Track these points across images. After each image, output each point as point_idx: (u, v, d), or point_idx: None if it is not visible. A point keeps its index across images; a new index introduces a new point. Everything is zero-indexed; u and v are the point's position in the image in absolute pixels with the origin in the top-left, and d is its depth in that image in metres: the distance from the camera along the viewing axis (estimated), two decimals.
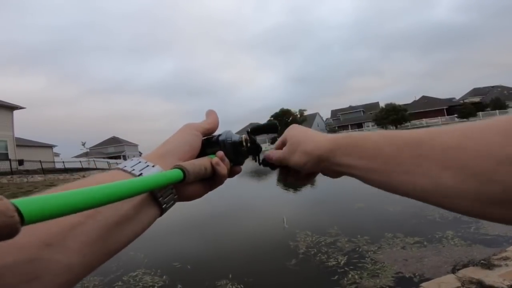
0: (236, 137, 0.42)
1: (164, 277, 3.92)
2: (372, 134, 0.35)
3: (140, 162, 0.32)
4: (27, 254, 0.20)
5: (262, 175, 18.07)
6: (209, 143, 0.42)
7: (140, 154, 64.34)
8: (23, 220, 0.15)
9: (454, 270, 2.87)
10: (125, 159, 44.85)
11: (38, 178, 16.95)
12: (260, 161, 0.48)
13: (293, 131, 0.46)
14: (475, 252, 3.45)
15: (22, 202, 0.15)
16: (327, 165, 0.39)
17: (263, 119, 65.41)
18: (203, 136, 0.41)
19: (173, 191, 0.33)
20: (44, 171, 18.81)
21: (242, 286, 3.36)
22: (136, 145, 60.70)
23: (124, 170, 0.31)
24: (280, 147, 0.48)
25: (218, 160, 0.38)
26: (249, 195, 11.19)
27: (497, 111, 39.53)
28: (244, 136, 0.43)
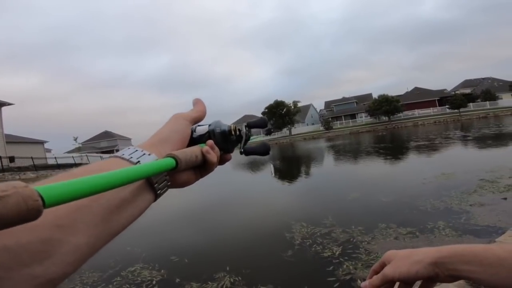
0: (225, 126, 0.44)
1: (162, 271, 3.95)
2: (487, 248, 0.48)
3: (137, 150, 0.33)
4: (40, 234, 0.22)
5: (257, 166, 18.10)
6: (199, 132, 0.44)
7: None
8: (44, 204, 0.17)
9: None
10: None
11: (30, 175, 16.67)
12: (242, 149, 0.48)
13: (392, 252, 0.57)
14: (465, 242, 3.47)
15: (43, 188, 0.18)
16: (442, 271, 0.49)
17: (257, 111, 65.26)
18: (192, 125, 0.43)
19: (167, 178, 0.34)
20: (36, 168, 18.48)
21: (239, 278, 3.40)
22: (129, 139, 60.14)
23: (123, 158, 0.32)
24: (379, 270, 0.56)
25: (208, 148, 0.39)
26: (245, 186, 11.21)
27: (487, 102, 40.17)
28: (232, 125, 0.45)
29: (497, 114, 32.18)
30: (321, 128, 50.02)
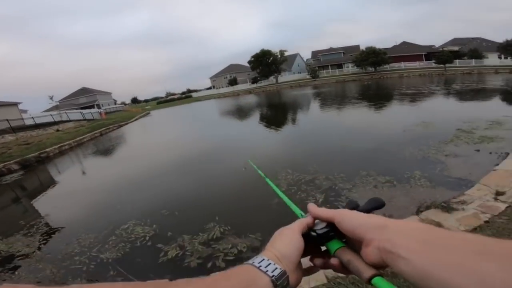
0: (319, 226, 0.47)
1: (154, 226, 4.01)
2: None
3: (270, 264, 0.40)
4: None
5: (244, 113, 17.89)
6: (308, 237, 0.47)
7: (115, 101, 61.85)
8: None
9: (418, 212, 3.03)
10: (99, 107, 42.34)
11: (9, 137, 15.65)
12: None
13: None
14: (438, 194, 3.65)
15: None
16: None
17: (244, 60, 62.91)
18: (307, 230, 0.47)
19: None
20: (14, 130, 17.41)
21: (229, 228, 3.53)
22: (109, 93, 57.55)
23: (259, 269, 0.39)
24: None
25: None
26: (231, 135, 11.12)
27: (473, 60, 40.50)
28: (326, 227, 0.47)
29: (481, 71, 32.58)
30: (308, 77, 49.95)
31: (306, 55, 72.25)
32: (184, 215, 4.23)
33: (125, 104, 72.34)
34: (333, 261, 0.43)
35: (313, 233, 0.47)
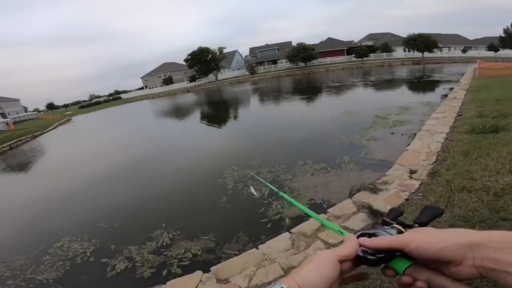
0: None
1: (93, 240, 3.66)
2: None
3: None
4: None
5: (183, 113, 17.23)
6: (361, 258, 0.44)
7: (26, 109, 52.38)
8: None
9: (350, 195, 3.30)
10: (4, 117, 35.46)
11: None
12: (417, 224, 0.48)
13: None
14: (365, 176, 4.08)
15: None
16: (476, 256, 0.37)
17: (180, 59, 60.57)
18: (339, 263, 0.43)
19: None
20: None
21: (178, 232, 3.42)
22: (17, 100, 48.96)
23: None
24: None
25: None
26: (171, 136, 10.58)
27: (384, 53, 47.33)
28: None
29: (390, 63, 38.14)
30: (246, 73, 51.25)
31: (245, 51, 73.48)
32: (126, 225, 3.93)
33: (39, 111, 62.59)
34: (406, 279, 0.41)
35: (372, 257, 0.43)
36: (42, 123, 28.49)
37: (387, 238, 0.44)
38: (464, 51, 46.49)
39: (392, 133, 6.23)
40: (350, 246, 0.44)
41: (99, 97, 73.53)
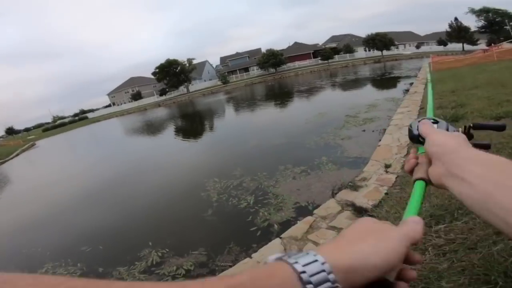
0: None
1: (79, 264, 3.49)
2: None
3: (322, 272, 0.26)
4: None
5: (155, 128, 16.80)
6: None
7: None
8: None
9: (333, 194, 3.36)
10: None
11: None
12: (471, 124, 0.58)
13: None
14: (344, 174, 4.20)
15: None
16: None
17: (147, 72, 59.32)
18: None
19: None
20: None
21: (167, 250, 3.34)
22: None
23: (294, 269, 0.26)
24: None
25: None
26: (148, 153, 10.29)
27: (347, 54, 49.97)
28: None
29: (354, 63, 40.38)
30: (219, 83, 51.34)
31: (215, 61, 73.79)
32: (110, 247, 3.79)
33: None
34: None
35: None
36: (3, 150, 26.31)
37: (428, 127, 0.51)
38: (417, 47, 50.38)
39: (364, 130, 6.55)
40: (419, 227, 0.35)
41: (64, 118, 69.77)
